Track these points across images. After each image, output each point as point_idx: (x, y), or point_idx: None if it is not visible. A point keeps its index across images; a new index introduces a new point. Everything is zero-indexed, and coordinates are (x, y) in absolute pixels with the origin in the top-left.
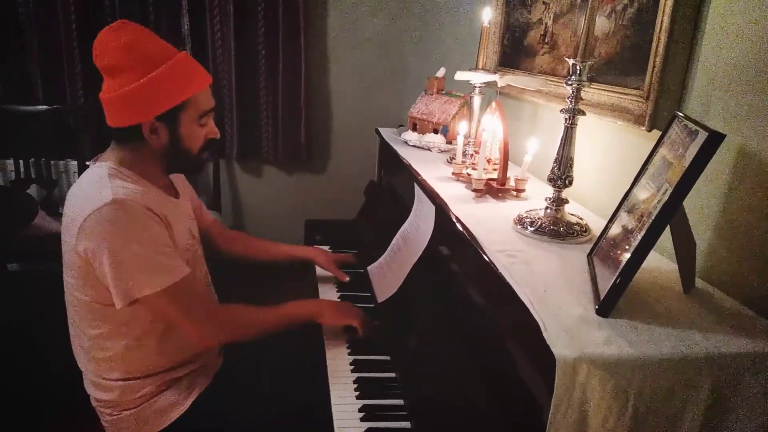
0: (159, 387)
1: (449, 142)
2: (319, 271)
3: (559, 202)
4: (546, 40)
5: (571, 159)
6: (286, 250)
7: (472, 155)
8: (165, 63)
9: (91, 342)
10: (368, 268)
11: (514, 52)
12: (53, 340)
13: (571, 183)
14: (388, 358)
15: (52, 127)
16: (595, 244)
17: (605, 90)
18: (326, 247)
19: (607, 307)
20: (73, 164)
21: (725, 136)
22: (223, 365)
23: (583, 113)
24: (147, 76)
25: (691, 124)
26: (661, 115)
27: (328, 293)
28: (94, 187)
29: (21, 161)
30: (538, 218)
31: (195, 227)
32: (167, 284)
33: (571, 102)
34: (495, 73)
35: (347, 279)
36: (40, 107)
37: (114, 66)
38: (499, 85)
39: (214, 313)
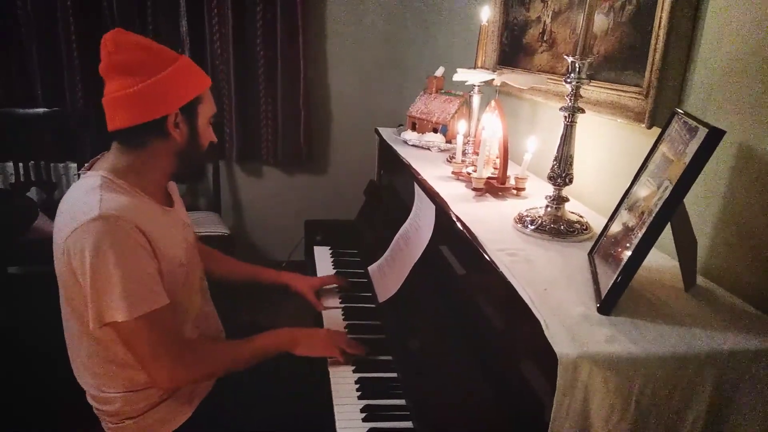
0: (161, 396)
1: (449, 141)
2: (319, 273)
3: (559, 200)
4: (545, 38)
5: (571, 157)
6: (261, 272)
7: (471, 155)
8: (177, 60)
9: (90, 359)
10: (369, 268)
11: (513, 51)
12: (54, 342)
13: (571, 181)
14: (389, 358)
15: (51, 129)
16: (596, 242)
17: (604, 87)
18: (327, 248)
19: (608, 305)
20: (73, 166)
21: (725, 132)
22: None
23: (583, 111)
24: (168, 69)
25: (691, 121)
26: (661, 112)
27: (329, 297)
28: (83, 200)
29: (21, 164)
30: (539, 217)
31: (191, 234)
32: (141, 313)
33: (570, 100)
34: (494, 71)
35: (322, 309)
36: (40, 110)
37: (132, 62)
38: (497, 84)
39: (181, 352)
